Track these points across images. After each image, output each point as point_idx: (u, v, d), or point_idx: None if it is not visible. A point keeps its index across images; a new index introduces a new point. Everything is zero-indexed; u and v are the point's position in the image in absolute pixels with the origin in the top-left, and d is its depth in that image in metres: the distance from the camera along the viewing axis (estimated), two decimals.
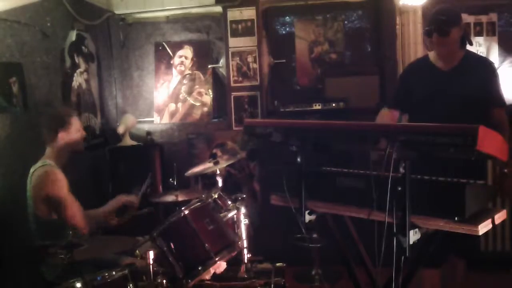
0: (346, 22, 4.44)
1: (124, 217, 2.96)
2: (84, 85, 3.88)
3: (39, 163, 2.61)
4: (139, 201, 2.97)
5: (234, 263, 2.65)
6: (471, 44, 2.72)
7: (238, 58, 4.31)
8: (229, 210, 2.68)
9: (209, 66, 4.55)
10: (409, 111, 2.82)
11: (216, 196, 2.68)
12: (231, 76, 4.34)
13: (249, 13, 4.26)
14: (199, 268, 2.26)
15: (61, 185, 2.55)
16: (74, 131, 2.70)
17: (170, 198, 3.01)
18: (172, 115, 4.59)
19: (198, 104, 4.56)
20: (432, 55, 2.75)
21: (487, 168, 3.11)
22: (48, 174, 2.55)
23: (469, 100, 2.56)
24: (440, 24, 2.56)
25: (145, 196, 3.07)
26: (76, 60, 3.77)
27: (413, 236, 1.77)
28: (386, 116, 2.84)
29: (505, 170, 2.56)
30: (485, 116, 2.56)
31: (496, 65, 4.10)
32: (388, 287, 2.00)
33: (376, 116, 2.92)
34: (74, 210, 2.57)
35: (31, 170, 2.61)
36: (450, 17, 2.58)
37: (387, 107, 2.91)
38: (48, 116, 2.77)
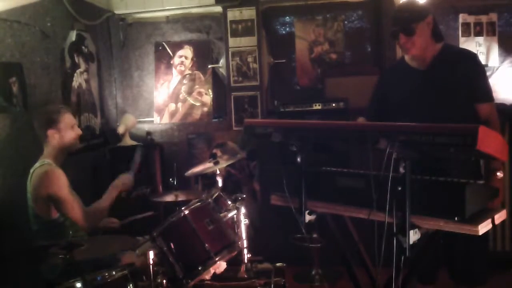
0: (346, 22, 4.44)
1: (125, 221, 2.96)
2: (84, 85, 3.88)
3: (38, 163, 2.61)
4: (134, 178, 2.91)
5: (234, 263, 2.65)
6: (441, 38, 2.48)
7: (238, 58, 4.31)
8: (229, 210, 2.67)
9: (209, 66, 4.55)
10: (387, 118, 2.55)
11: (216, 196, 2.68)
12: (231, 76, 4.34)
13: (249, 13, 4.26)
14: (199, 268, 2.26)
15: (61, 184, 2.55)
16: (65, 129, 2.63)
17: (170, 198, 3.01)
18: (172, 115, 4.59)
19: (198, 104, 4.56)
20: (407, 55, 2.57)
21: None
22: (48, 174, 2.54)
23: (449, 98, 2.39)
24: (403, 23, 2.37)
25: (140, 170, 3.00)
26: (76, 60, 3.77)
27: (413, 236, 1.77)
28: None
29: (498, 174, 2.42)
30: (471, 114, 2.39)
31: (496, 65, 4.11)
32: (388, 287, 2.00)
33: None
34: (75, 208, 2.57)
35: (31, 170, 2.61)
36: (413, 13, 2.37)
37: (364, 118, 2.72)
38: (37, 116, 2.72)
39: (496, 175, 2.34)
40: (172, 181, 3.13)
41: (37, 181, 2.54)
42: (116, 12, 4.47)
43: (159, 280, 2.17)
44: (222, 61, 4.50)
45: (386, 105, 2.62)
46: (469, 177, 1.84)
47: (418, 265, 2.03)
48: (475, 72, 2.44)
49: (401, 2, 2.63)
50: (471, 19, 4.12)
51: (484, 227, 1.74)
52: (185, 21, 4.64)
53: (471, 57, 2.50)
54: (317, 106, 3.95)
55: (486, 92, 2.45)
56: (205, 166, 3.16)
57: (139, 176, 3.18)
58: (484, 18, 4.12)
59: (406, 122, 1.85)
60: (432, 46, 2.46)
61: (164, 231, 2.31)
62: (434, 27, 2.44)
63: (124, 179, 2.87)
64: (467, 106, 2.41)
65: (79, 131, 2.75)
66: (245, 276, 2.64)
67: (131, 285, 2.14)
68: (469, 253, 2.46)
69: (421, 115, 2.25)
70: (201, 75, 4.57)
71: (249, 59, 4.30)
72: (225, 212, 2.65)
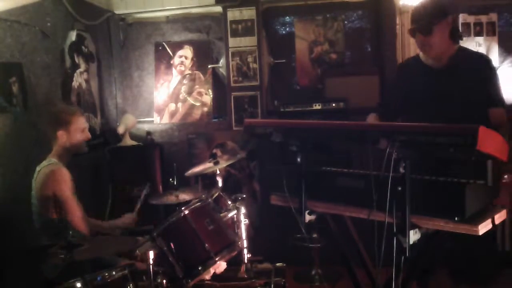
0: (346, 22, 4.44)
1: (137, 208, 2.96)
2: (84, 85, 3.88)
3: (45, 162, 2.60)
4: (139, 214, 2.97)
5: (234, 263, 2.65)
6: (460, 39, 2.46)
7: (238, 58, 4.31)
8: (229, 210, 2.67)
9: (209, 66, 4.55)
10: (404, 115, 2.58)
11: (216, 196, 2.68)
12: (231, 76, 4.34)
13: (249, 13, 4.26)
14: (199, 268, 2.26)
15: (67, 185, 2.55)
16: (75, 131, 2.65)
17: (170, 198, 3.00)
18: (172, 115, 4.59)
19: (198, 104, 4.56)
20: (422, 53, 2.56)
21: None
22: (55, 173, 2.54)
23: (464, 100, 2.39)
24: (422, 21, 2.34)
25: (145, 204, 3.05)
26: (76, 60, 3.77)
27: (413, 236, 1.77)
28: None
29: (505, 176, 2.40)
30: (483, 118, 2.36)
31: (496, 65, 4.11)
32: (388, 287, 2.00)
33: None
34: (76, 213, 2.56)
35: (37, 169, 2.60)
36: (433, 12, 2.34)
37: (378, 115, 2.70)
38: (49, 114, 2.73)
39: (503, 178, 2.32)
40: (172, 181, 3.12)
41: (43, 180, 2.54)
42: (116, 12, 4.46)
43: (159, 280, 2.17)
44: (222, 61, 4.50)
45: (402, 102, 2.59)
46: (472, 178, 1.83)
47: (418, 265, 2.03)
48: (490, 77, 2.43)
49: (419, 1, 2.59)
50: (471, 19, 4.12)
51: (484, 227, 1.74)
52: (185, 21, 4.64)
53: (487, 61, 2.49)
54: (317, 106, 3.95)
55: (499, 97, 2.44)
56: (205, 166, 3.16)
57: (139, 178, 3.20)
58: (484, 18, 4.12)
59: (420, 119, 1.83)
60: (450, 46, 2.43)
61: (164, 231, 2.31)
62: (453, 28, 2.39)
63: (127, 220, 2.91)
64: (480, 109, 2.38)
65: (88, 135, 2.74)
66: (245, 276, 2.64)
67: (131, 285, 2.13)
68: (474, 254, 2.45)
69: (435, 113, 2.24)
70: (201, 75, 4.57)
71: (249, 59, 4.29)
72: (225, 212, 2.65)
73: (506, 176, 2.34)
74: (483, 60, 2.50)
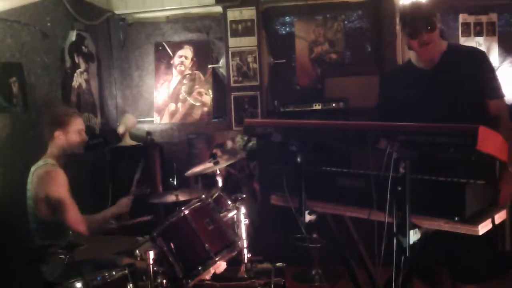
0: (346, 22, 4.44)
1: (123, 223, 2.96)
2: (84, 85, 3.88)
3: (40, 162, 2.60)
4: (133, 199, 2.96)
5: (234, 263, 2.65)
6: (444, 36, 2.48)
7: (238, 58, 4.31)
8: (229, 210, 2.68)
9: (209, 66, 4.55)
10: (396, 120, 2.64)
11: (216, 196, 2.68)
12: (231, 76, 4.34)
13: (249, 13, 4.26)
14: (199, 268, 2.26)
15: (62, 186, 2.54)
16: (72, 132, 2.66)
17: (170, 198, 3.00)
18: (172, 115, 4.59)
19: (198, 104, 4.56)
20: (413, 56, 2.53)
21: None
22: (49, 174, 2.54)
23: (459, 96, 2.36)
24: (425, 18, 2.32)
25: (139, 189, 3.04)
26: (76, 60, 3.77)
27: (413, 236, 1.77)
28: None
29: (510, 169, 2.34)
30: (481, 111, 2.35)
31: (496, 65, 4.11)
32: (388, 287, 2.00)
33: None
34: (73, 213, 2.55)
35: (32, 169, 2.60)
36: (428, 8, 2.37)
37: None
38: (47, 115, 2.75)
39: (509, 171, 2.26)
40: (172, 181, 3.12)
41: (37, 181, 2.53)
42: (116, 12, 4.47)
43: (159, 280, 2.17)
44: (222, 61, 4.50)
45: (394, 108, 2.54)
46: (481, 178, 1.82)
47: (418, 265, 2.03)
48: (482, 69, 2.40)
49: (408, 2, 2.61)
50: (471, 19, 4.12)
51: (484, 227, 1.74)
52: (185, 21, 4.64)
53: (478, 53, 2.47)
54: (317, 106, 3.95)
55: (496, 88, 2.40)
56: (205, 166, 3.16)
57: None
58: (484, 18, 4.12)
59: (417, 122, 1.81)
60: (441, 43, 2.43)
61: (164, 231, 2.31)
62: (441, 25, 2.41)
63: (123, 204, 2.90)
64: (478, 103, 2.37)
65: (85, 137, 2.75)
66: (245, 276, 2.65)
67: (131, 285, 2.14)
68: (472, 252, 2.42)
69: (433, 114, 2.22)
70: (201, 75, 4.57)
71: (249, 59, 4.30)
72: (225, 212, 2.65)
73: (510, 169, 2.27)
74: (475, 53, 2.48)
